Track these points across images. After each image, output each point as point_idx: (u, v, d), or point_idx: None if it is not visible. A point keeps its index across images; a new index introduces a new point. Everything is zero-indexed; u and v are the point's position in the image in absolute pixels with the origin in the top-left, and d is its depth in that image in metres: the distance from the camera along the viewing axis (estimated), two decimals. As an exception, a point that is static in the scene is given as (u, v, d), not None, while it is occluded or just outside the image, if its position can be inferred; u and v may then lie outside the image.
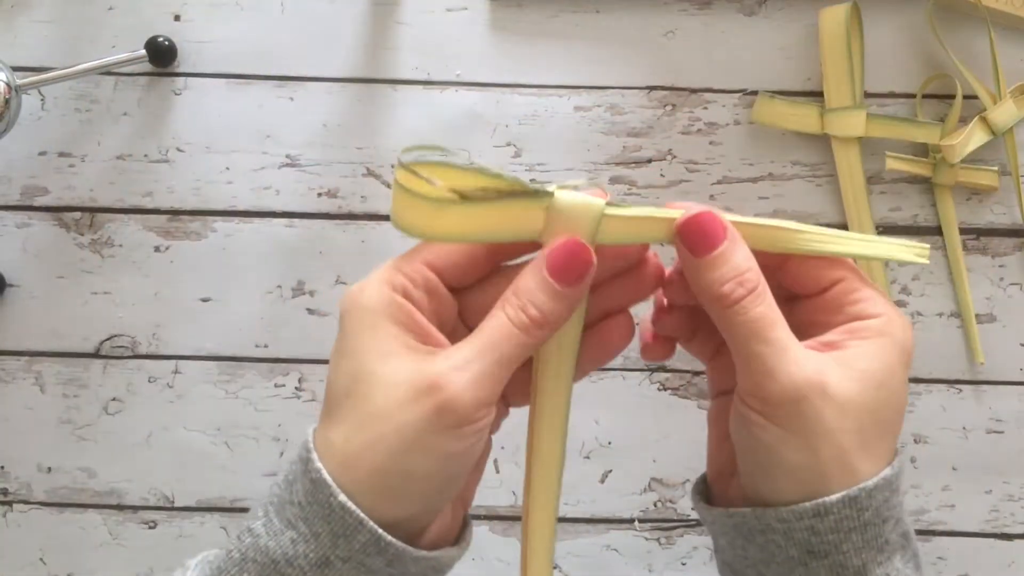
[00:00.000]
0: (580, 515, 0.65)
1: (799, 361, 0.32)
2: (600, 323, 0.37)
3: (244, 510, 0.65)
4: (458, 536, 0.37)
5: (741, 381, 0.34)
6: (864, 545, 0.33)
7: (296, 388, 0.65)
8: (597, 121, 0.64)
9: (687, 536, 0.65)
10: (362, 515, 0.32)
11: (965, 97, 0.62)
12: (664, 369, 0.65)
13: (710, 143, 0.64)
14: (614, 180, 0.65)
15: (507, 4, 0.65)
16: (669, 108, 0.63)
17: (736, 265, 0.33)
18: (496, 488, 0.65)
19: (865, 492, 0.32)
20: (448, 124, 0.64)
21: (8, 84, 0.59)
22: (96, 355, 0.65)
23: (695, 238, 0.33)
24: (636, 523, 0.65)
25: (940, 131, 0.62)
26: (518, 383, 0.35)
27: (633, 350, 0.65)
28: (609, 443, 0.65)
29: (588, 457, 0.65)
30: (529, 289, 0.33)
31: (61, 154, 0.65)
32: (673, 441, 0.65)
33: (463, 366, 0.32)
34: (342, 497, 0.31)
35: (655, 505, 0.65)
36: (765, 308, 0.33)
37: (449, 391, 0.31)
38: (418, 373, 0.32)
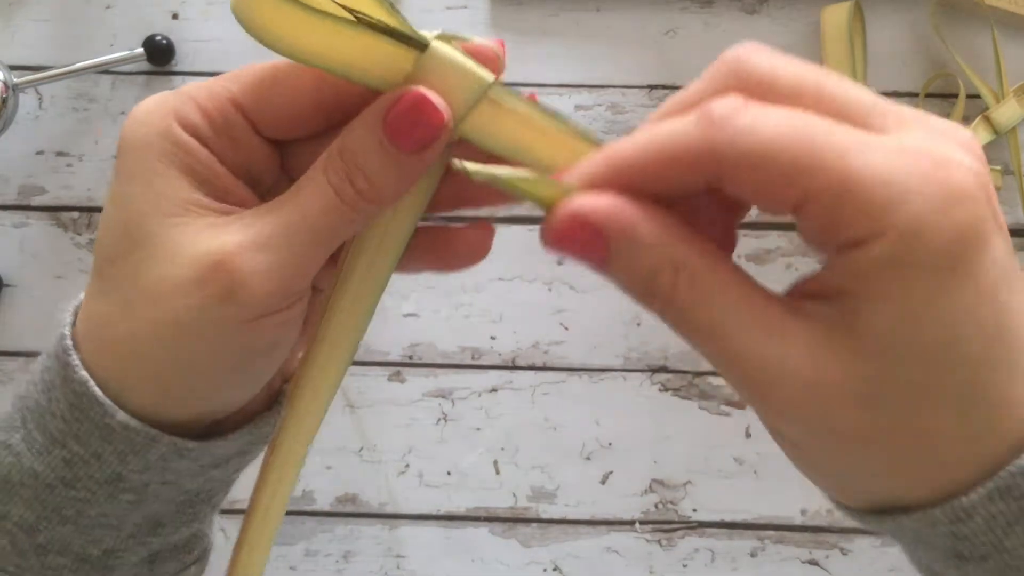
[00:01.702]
0: (580, 516, 0.65)
1: (761, 373, 0.23)
2: (450, 226, 0.29)
3: (243, 511, 0.64)
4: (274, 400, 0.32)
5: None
6: None
7: (295, 389, 0.64)
8: (598, 120, 0.64)
9: (688, 538, 0.64)
10: (152, 431, 0.26)
11: (968, 96, 0.62)
12: (665, 370, 0.65)
13: (711, 142, 0.64)
14: (615, 180, 0.65)
15: (507, 3, 0.65)
16: (670, 107, 0.63)
17: (639, 272, 0.23)
18: (496, 489, 0.64)
19: (1021, 472, 0.23)
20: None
21: (5, 83, 0.59)
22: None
23: (572, 249, 0.24)
24: (637, 525, 0.65)
25: (943, 130, 0.62)
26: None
27: (635, 350, 0.65)
28: (610, 444, 0.65)
29: (589, 458, 0.65)
30: (360, 151, 0.25)
31: (59, 153, 0.65)
32: (674, 442, 0.64)
33: (262, 243, 0.25)
34: (121, 416, 0.26)
35: (656, 507, 0.64)
36: (698, 311, 0.23)
37: (239, 275, 0.25)
38: (203, 246, 0.25)
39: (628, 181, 0.23)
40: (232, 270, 0.25)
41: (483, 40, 0.26)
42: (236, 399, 0.28)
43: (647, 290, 0.23)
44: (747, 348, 0.23)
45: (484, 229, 0.30)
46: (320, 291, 0.30)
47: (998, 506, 0.23)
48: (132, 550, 0.29)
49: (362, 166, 0.25)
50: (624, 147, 0.24)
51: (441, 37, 0.26)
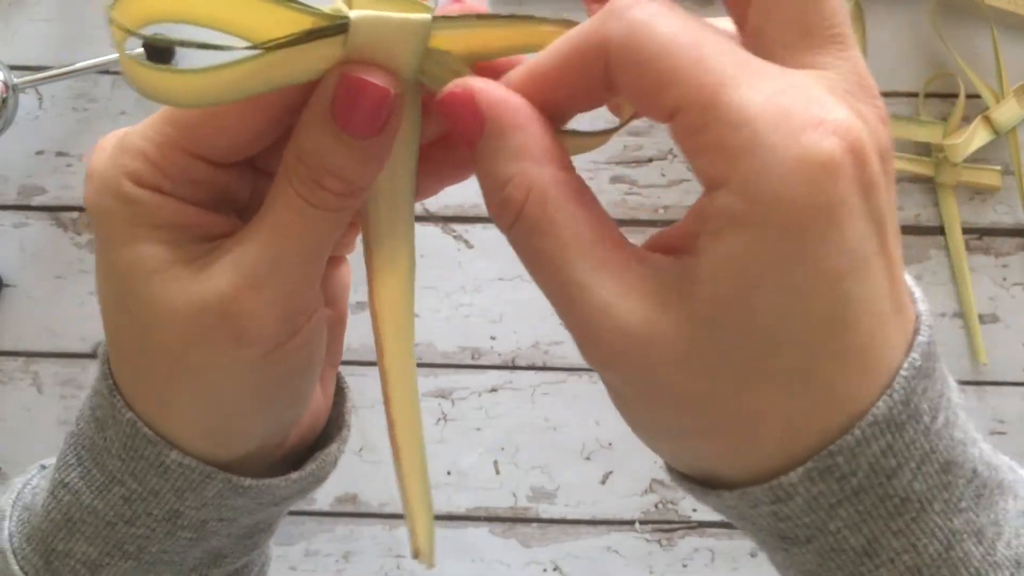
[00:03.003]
0: (581, 516, 0.64)
1: (593, 319, 0.22)
2: (444, 148, 0.27)
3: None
4: (335, 417, 0.31)
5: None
6: (864, 517, 0.22)
7: (295, 389, 0.64)
8: (598, 120, 0.64)
9: (688, 538, 0.64)
10: (207, 468, 0.26)
11: (968, 96, 0.62)
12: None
13: (711, 142, 0.64)
14: (615, 179, 0.64)
15: (507, 2, 0.65)
16: (670, 107, 0.63)
17: (494, 178, 0.23)
18: (496, 489, 0.64)
19: (844, 452, 0.22)
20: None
21: (5, 83, 0.59)
22: (94, 355, 0.65)
23: (451, 118, 0.23)
24: (637, 525, 0.65)
25: (943, 130, 0.62)
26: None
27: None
28: (610, 444, 0.65)
29: (589, 458, 0.65)
30: (319, 150, 0.23)
31: (58, 153, 0.65)
32: (674, 442, 0.64)
33: (255, 277, 0.24)
34: (175, 454, 0.26)
35: (656, 507, 0.64)
36: (541, 238, 0.22)
37: (242, 316, 0.24)
38: (198, 295, 0.24)
39: (538, 86, 0.23)
40: (232, 314, 0.24)
41: None
42: (285, 423, 0.28)
43: (497, 198, 0.23)
44: (579, 286, 0.22)
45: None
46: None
47: (819, 487, 0.22)
48: None
49: (327, 166, 0.23)
50: (542, 53, 0.23)
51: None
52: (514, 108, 0.23)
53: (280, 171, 0.24)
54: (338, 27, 0.23)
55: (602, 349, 0.22)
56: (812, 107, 0.20)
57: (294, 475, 0.28)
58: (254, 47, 0.22)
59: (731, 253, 0.20)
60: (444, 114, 0.23)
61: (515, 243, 0.23)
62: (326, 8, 0.23)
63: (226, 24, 0.22)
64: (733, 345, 0.21)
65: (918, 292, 0.24)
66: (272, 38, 0.22)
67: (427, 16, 0.23)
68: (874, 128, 0.21)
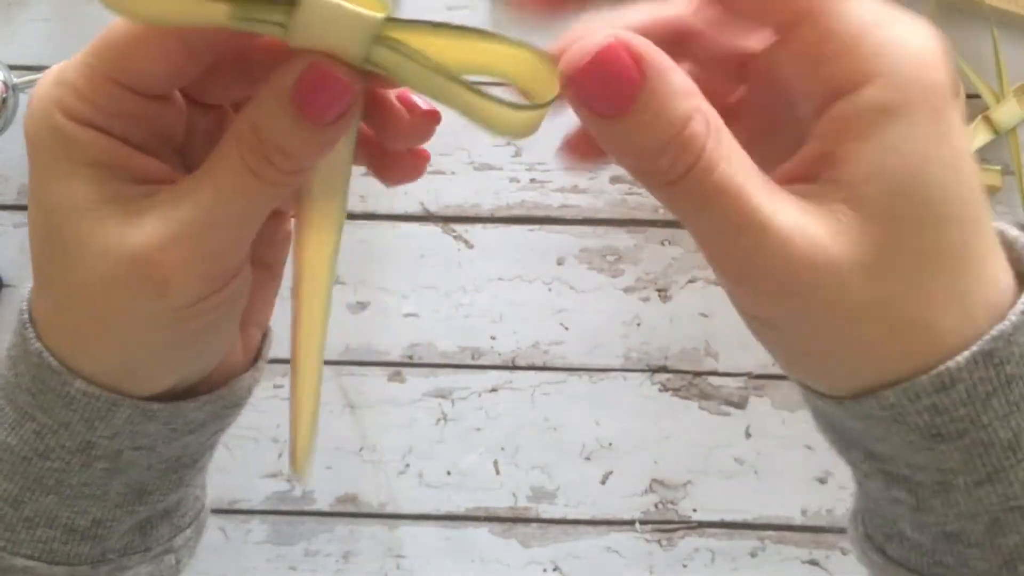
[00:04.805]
0: (580, 516, 0.64)
1: (786, 245, 0.22)
2: (383, 153, 0.28)
3: (243, 511, 0.64)
4: (256, 355, 0.31)
5: (724, 282, 0.24)
6: (1012, 409, 0.23)
7: (295, 389, 0.64)
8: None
9: (688, 538, 0.64)
10: (112, 395, 0.26)
11: (968, 96, 0.62)
12: (665, 370, 0.65)
13: (711, 142, 0.64)
14: (614, 179, 0.64)
15: (507, 2, 0.65)
16: (670, 107, 0.63)
17: (670, 119, 0.22)
18: (496, 489, 0.64)
19: (1003, 337, 0.22)
20: (447, 122, 0.64)
21: (5, 83, 0.59)
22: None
23: (596, 95, 0.22)
24: (637, 525, 0.65)
25: (943, 130, 0.62)
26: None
27: (635, 350, 0.65)
28: (610, 444, 0.65)
29: (589, 458, 0.65)
30: (273, 129, 0.24)
31: (59, 153, 0.65)
32: (674, 442, 0.64)
33: (186, 234, 0.24)
34: (79, 383, 0.26)
35: (656, 507, 0.64)
36: (724, 171, 0.22)
37: (167, 270, 0.24)
38: (128, 241, 0.24)
39: (659, 22, 0.24)
40: (159, 266, 0.24)
41: None
42: (196, 372, 0.28)
43: (675, 142, 0.22)
44: (767, 213, 0.22)
45: (419, 156, 0.29)
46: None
47: (980, 372, 0.23)
48: (120, 519, 0.29)
49: (279, 144, 0.24)
50: (627, 11, 0.24)
51: None
52: (659, 51, 0.22)
53: (229, 133, 0.24)
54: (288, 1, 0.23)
55: (797, 271, 0.22)
56: (906, 19, 0.22)
57: (203, 397, 0.28)
58: None
59: (892, 143, 0.21)
60: (588, 79, 0.22)
61: (690, 181, 0.22)
62: None
63: None
64: (911, 232, 0.22)
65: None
66: None
67: (380, 15, 0.23)
68: None
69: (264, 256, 0.30)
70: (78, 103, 0.25)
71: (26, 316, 0.27)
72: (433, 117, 0.28)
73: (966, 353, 0.22)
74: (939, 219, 0.22)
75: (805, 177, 0.23)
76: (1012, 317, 0.22)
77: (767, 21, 0.23)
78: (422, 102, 0.28)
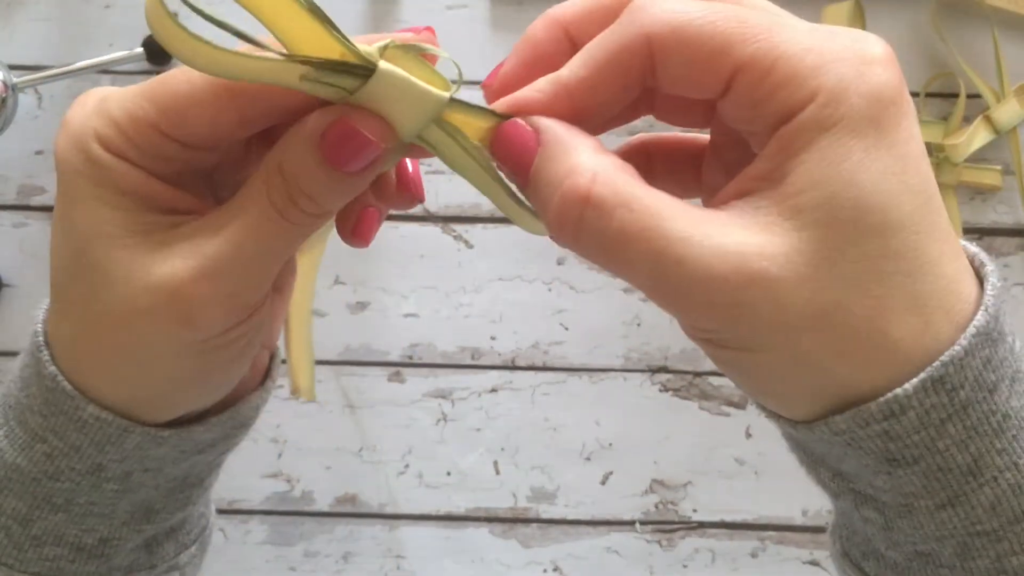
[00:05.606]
0: (581, 517, 0.64)
1: (710, 269, 0.22)
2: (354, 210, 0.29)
3: (243, 512, 0.64)
4: (264, 375, 0.32)
5: (669, 311, 0.24)
6: (970, 434, 0.22)
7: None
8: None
9: (688, 538, 0.64)
10: (124, 421, 0.26)
11: (968, 96, 0.62)
12: (665, 370, 0.64)
13: (711, 142, 0.64)
14: (615, 179, 0.64)
15: (507, 2, 0.65)
16: (670, 107, 0.63)
17: (548, 179, 0.23)
18: (496, 489, 0.64)
19: (954, 362, 0.22)
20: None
21: (5, 83, 0.59)
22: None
23: (505, 160, 0.25)
24: (637, 525, 0.64)
25: (943, 130, 0.62)
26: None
27: (635, 350, 0.65)
28: (610, 444, 0.65)
29: (589, 459, 0.64)
30: (301, 172, 0.24)
31: (58, 153, 0.65)
32: (674, 442, 0.64)
33: (214, 268, 0.24)
34: (92, 408, 0.26)
35: (656, 507, 0.64)
36: (623, 217, 0.22)
37: (195, 304, 0.24)
38: (156, 272, 0.24)
39: (573, 97, 0.24)
40: (185, 298, 0.24)
41: (438, 50, 0.25)
42: (210, 400, 0.29)
43: (558, 194, 0.23)
44: (684, 242, 0.22)
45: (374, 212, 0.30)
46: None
47: (932, 399, 0.22)
48: (127, 537, 0.29)
49: (304, 188, 0.25)
50: (564, 70, 0.24)
51: (395, 48, 0.24)
52: (560, 123, 0.24)
53: (259, 173, 0.25)
54: (364, 70, 0.24)
55: (726, 293, 0.22)
56: (845, 31, 0.23)
57: (212, 419, 0.29)
58: (284, 56, 0.23)
59: (829, 154, 0.22)
60: (502, 141, 0.24)
61: (590, 234, 0.23)
62: (360, 47, 0.24)
63: (270, 19, 0.23)
64: (851, 239, 0.22)
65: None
66: (302, 52, 0.23)
67: (445, 95, 0.24)
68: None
69: (275, 279, 0.30)
70: (118, 139, 0.25)
71: (40, 339, 0.27)
72: (415, 199, 0.29)
73: (915, 380, 0.22)
74: (882, 225, 0.22)
75: (747, 193, 0.23)
76: (963, 341, 0.22)
77: (706, 92, 0.23)
78: (416, 179, 0.29)
